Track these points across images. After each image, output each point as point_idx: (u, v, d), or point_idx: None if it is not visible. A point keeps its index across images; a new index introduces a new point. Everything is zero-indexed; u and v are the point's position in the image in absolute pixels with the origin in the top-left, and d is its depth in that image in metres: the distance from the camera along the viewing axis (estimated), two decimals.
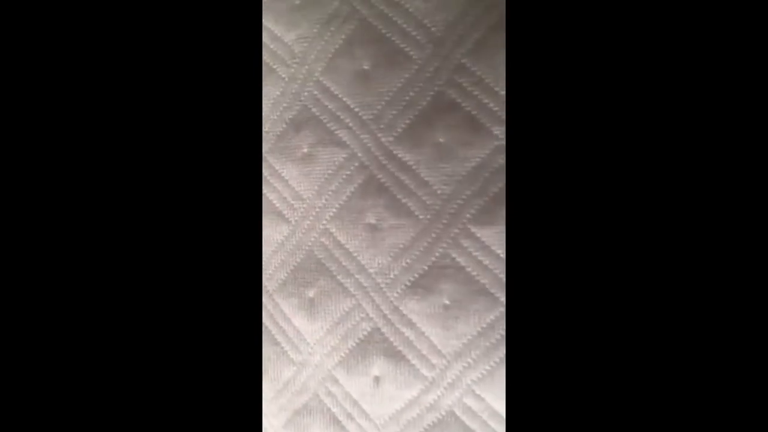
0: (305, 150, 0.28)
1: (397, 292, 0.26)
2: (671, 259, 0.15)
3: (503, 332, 0.24)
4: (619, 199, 0.15)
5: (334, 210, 0.27)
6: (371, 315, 0.27)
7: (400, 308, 0.26)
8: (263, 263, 0.30)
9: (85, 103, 0.17)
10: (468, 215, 0.25)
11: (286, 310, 0.29)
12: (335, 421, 0.28)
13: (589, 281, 0.16)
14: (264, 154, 0.29)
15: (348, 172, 0.27)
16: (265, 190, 0.29)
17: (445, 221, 0.25)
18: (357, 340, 0.27)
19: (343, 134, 0.27)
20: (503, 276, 0.24)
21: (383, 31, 0.26)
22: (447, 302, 0.25)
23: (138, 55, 0.17)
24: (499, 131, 0.24)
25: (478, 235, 0.24)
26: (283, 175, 0.29)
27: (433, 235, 0.25)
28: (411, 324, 0.26)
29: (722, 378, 0.15)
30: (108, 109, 0.17)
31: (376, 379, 0.27)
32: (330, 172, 0.27)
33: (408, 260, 0.26)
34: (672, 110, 0.15)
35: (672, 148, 0.15)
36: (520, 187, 0.16)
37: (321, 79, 0.27)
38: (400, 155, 0.26)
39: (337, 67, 0.27)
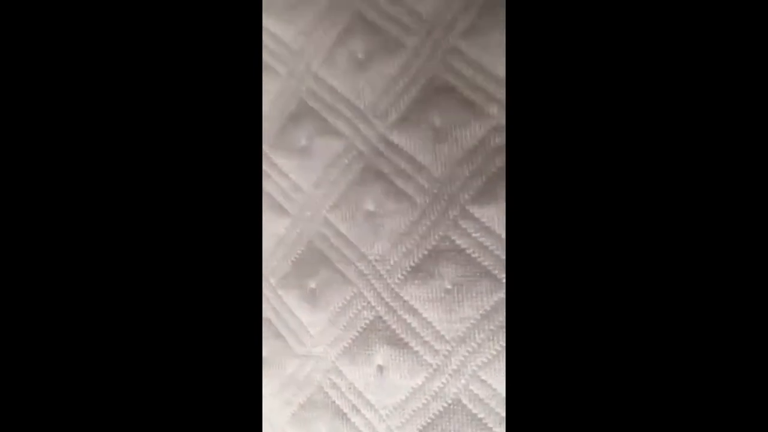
0: (303, 142, 0.28)
1: (398, 279, 0.26)
2: (669, 238, 0.15)
3: None
4: (620, 181, 0.15)
5: (333, 200, 0.27)
6: (373, 303, 0.26)
7: (402, 294, 0.26)
8: (266, 257, 0.30)
9: (86, 101, 0.17)
10: (466, 196, 0.24)
11: (289, 302, 0.29)
12: (340, 414, 0.27)
13: (590, 267, 0.15)
14: (264, 150, 0.29)
15: (346, 161, 0.27)
16: (265, 184, 0.29)
17: (443, 203, 0.25)
18: (359, 330, 0.27)
19: (340, 124, 0.27)
20: (505, 257, 0.24)
21: (376, 20, 0.26)
22: (449, 286, 0.25)
23: (139, 54, 0.17)
24: (495, 111, 0.24)
25: (478, 215, 0.24)
26: (282, 168, 0.29)
27: (432, 218, 0.25)
28: (413, 310, 0.25)
29: (718, 364, 0.15)
30: (108, 106, 0.17)
31: (380, 369, 0.26)
32: (328, 162, 0.28)
33: (408, 245, 0.26)
34: (672, 97, 0.15)
35: (670, 130, 0.15)
36: (520, 170, 0.16)
37: (318, 72, 0.28)
38: (396, 141, 0.26)
39: (333, 59, 0.27)
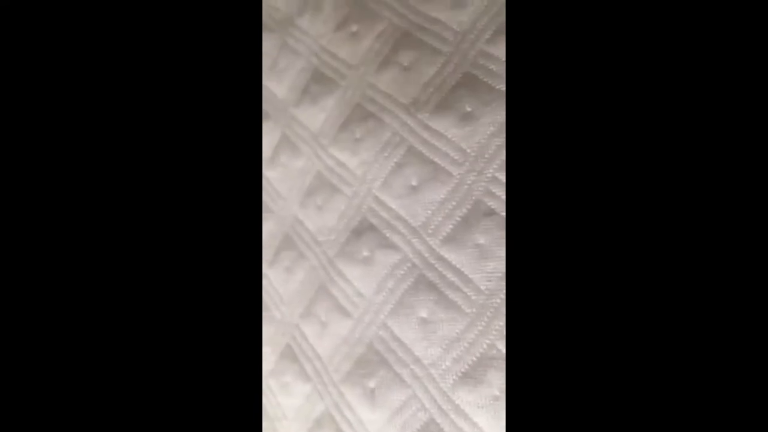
0: (365, 253, 0.32)
1: (450, 383, 0.28)
2: (669, 239, 0.15)
3: None
4: (622, 196, 0.15)
5: (391, 306, 0.31)
6: (426, 405, 0.28)
7: (453, 398, 0.28)
8: (329, 354, 0.33)
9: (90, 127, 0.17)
10: None
11: (351, 399, 0.31)
12: None
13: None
14: (332, 258, 0.34)
15: (402, 272, 0.31)
16: (331, 288, 0.34)
17: (489, 315, 0.27)
18: (415, 430, 0.29)
19: (396, 239, 0.31)
20: None
21: (427, 153, 0.31)
22: (497, 393, 0.26)
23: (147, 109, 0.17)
24: None
25: None
26: (346, 275, 0.33)
27: (480, 327, 0.28)
28: (464, 414, 0.27)
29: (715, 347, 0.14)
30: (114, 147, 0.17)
31: None
32: (386, 272, 0.31)
33: (458, 351, 0.28)
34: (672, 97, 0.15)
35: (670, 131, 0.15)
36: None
37: (377, 194, 0.33)
38: (446, 256, 0.29)
39: (390, 184, 0.32)
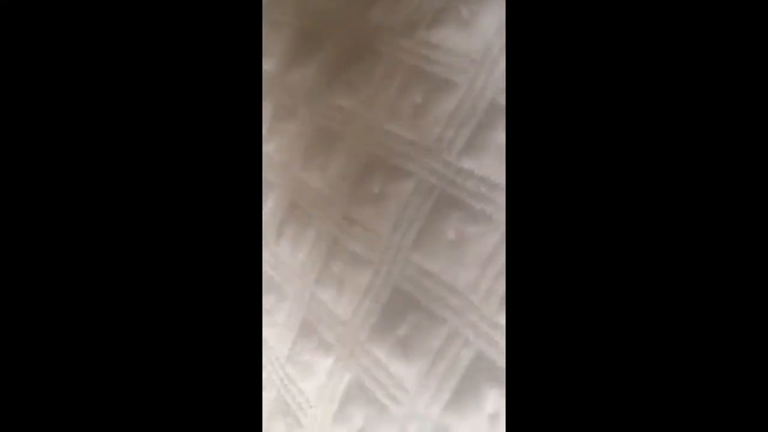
0: (376, 191, 0.29)
1: (494, 306, 0.23)
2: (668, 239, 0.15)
3: None
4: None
5: (413, 237, 0.27)
6: (471, 339, 0.24)
7: (501, 322, 0.23)
8: (350, 316, 0.29)
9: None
10: None
11: (381, 357, 0.27)
12: None
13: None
14: (340, 206, 0.30)
15: (419, 199, 0.27)
16: (345, 241, 0.30)
17: None
18: (461, 374, 0.24)
19: (409, 166, 0.28)
20: None
21: (429, 68, 0.29)
22: None
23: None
24: None
25: None
26: (359, 220, 0.30)
27: None
28: None
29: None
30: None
31: (492, 417, 0.22)
32: (402, 202, 0.28)
33: (497, 267, 0.24)
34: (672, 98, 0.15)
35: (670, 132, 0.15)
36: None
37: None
38: (466, 167, 0.26)
39: (394, 110, 0.29)
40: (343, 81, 0.33)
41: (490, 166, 0.25)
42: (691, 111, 0.15)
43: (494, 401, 0.23)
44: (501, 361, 0.23)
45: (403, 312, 0.27)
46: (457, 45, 0.28)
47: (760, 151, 0.15)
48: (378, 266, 0.28)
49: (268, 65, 0.39)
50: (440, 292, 0.25)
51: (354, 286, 0.29)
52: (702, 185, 0.15)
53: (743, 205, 0.15)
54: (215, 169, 0.18)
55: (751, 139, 0.15)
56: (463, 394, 0.24)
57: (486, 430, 0.23)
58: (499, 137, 0.25)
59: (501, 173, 0.25)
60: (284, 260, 0.34)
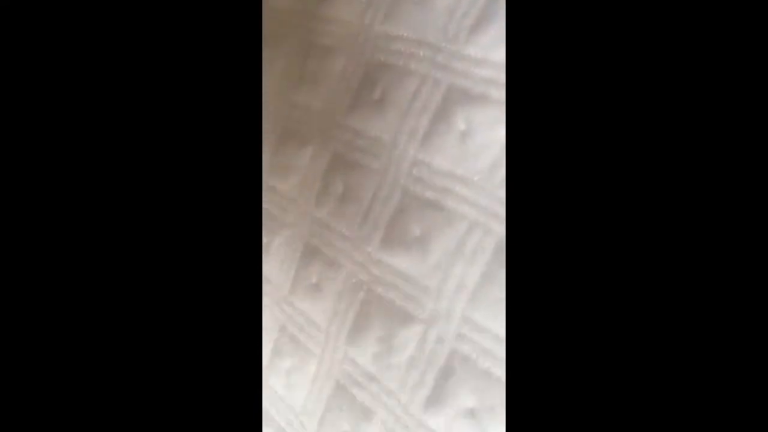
0: (376, 96, 0.27)
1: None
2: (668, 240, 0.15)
3: None
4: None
5: (418, 140, 0.25)
6: (494, 228, 0.23)
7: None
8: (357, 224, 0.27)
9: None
10: None
11: (394, 263, 0.25)
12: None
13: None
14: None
15: (421, 101, 0.26)
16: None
17: None
18: (485, 263, 0.23)
19: (412, 65, 0.26)
20: None
21: None
22: None
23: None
24: None
25: None
26: (354, 125, 0.28)
27: None
28: None
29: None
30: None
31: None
32: (405, 103, 0.26)
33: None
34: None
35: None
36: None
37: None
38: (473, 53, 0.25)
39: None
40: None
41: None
42: (687, 113, 0.15)
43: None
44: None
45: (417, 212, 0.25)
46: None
47: (759, 151, 0.14)
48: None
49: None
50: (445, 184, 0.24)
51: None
52: (701, 184, 0.15)
53: (743, 204, 0.15)
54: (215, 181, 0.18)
55: (751, 139, 0.15)
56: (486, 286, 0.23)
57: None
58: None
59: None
60: None
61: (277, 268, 0.32)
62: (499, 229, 0.22)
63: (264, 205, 0.33)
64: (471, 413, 0.22)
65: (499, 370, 0.22)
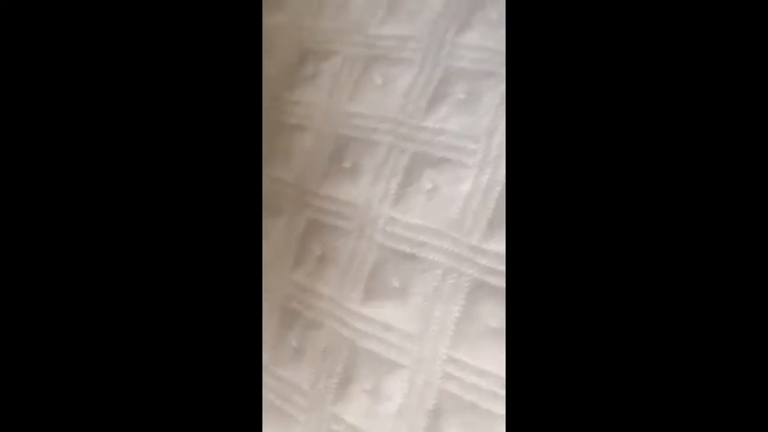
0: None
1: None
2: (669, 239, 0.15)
3: None
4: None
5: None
6: (466, 270, 0.25)
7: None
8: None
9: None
10: None
11: (377, 314, 0.27)
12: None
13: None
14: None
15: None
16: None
17: None
18: (462, 303, 0.25)
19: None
20: None
21: None
22: None
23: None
24: None
25: None
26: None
27: None
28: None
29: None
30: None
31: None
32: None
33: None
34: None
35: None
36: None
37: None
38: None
39: None
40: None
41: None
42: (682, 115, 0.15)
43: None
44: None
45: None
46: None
47: (759, 151, 0.14)
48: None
49: None
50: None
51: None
52: (701, 183, 0.15)
53: (743, 203, 0.15)
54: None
55: (750, 139, 0.15)
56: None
57: None
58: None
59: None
60: None
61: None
62: (471, 271, 0.25)
63: None
64: None
65: (485, 402, 0.23)
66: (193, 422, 0.17)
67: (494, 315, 0.24)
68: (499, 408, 0.23)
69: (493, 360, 0.23)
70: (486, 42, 0.27)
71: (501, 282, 0.24)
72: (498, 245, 0.25)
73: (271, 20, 0.38)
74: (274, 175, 0.34)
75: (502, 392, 0.23)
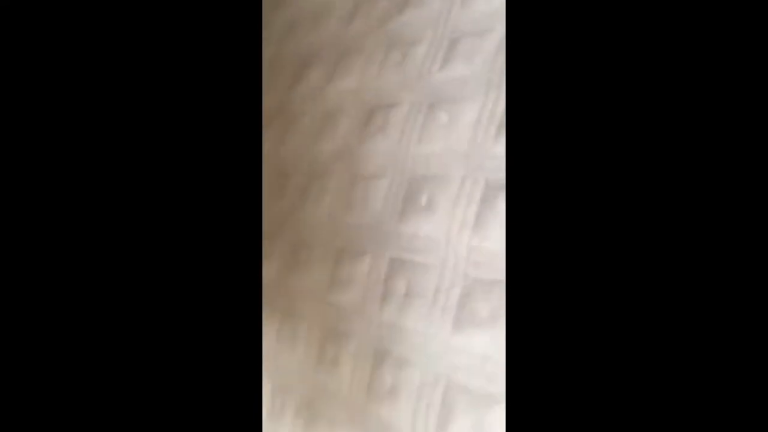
0: None
1: None
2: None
3: None
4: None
5: None
6: None
7: None
8: None
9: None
10: None
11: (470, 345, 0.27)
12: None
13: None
14: None
15: None
16: None
17: None
18: None
19: None
20: None
21: None
22: None
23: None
24: None
25: None
26: None
27: None
28: None
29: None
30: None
31: None
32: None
33: None
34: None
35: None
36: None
37: None
38: None
39: None
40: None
41: None
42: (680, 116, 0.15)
43: None
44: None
45: None
46: None
47: (759, 151, 0.14)
48: None
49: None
50: None
51: None
52: (700, 183, 0.15)
53: (742, 203, 0.15)
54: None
55: (750, 139, 0.15)
56: None
57: None
58: None
59: None
60: None
61: (348, 378, 0.32)
62: None
63: (328, 322, 0.35)
64: None
65: None
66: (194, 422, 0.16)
67: None
68: None
69: None
70: None
71: None
72: None
73: (339, 85, 0.41)
74: (353, 222, 0.36)
75: None
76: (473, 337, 0.27)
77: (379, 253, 0.33)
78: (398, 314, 0.30)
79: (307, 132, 0.42)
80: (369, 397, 0.31)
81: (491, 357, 0.26)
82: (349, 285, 0.34)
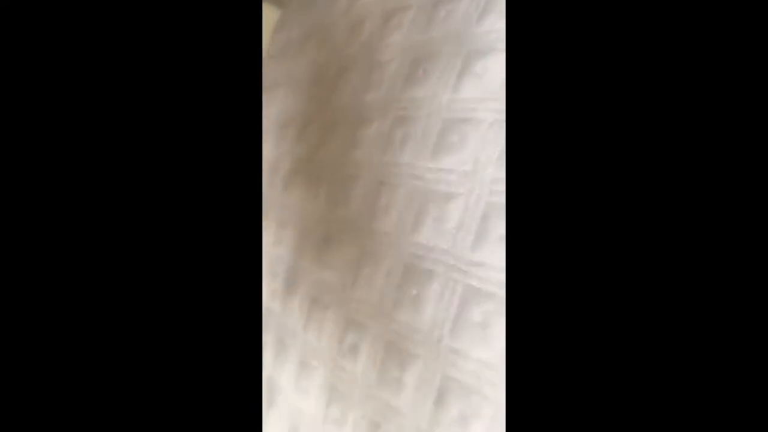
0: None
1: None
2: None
3: None
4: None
5: None
6: None
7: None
8: None
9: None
10: None
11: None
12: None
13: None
14: None
15: None
16: None
17: None
18: None
19: None
20: None
21: None
22: None
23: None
24: None
25: None
26: None
27: None
28: None
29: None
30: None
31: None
32: None
33: None
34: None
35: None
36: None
37: None
38: None
39: None
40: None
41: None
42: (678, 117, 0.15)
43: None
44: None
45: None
46: None
47: (759, 151, 0.14)
48: None
49: None
50: None
51: None
52: (699, 182, 0.15)
53: (741, 202, 0.14)
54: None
55: (749, 139, 0.14)
56: None
57: None
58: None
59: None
60: None
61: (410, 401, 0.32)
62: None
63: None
64: None
65: None
66: (193, 422, 0.16)
67: None
68: None
69: None
70: None
71: None
72: None
73: (354, 156, 0.44)
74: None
75: None
76: None
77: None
78: (470, 343, 0.29)
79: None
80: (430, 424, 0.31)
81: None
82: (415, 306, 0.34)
